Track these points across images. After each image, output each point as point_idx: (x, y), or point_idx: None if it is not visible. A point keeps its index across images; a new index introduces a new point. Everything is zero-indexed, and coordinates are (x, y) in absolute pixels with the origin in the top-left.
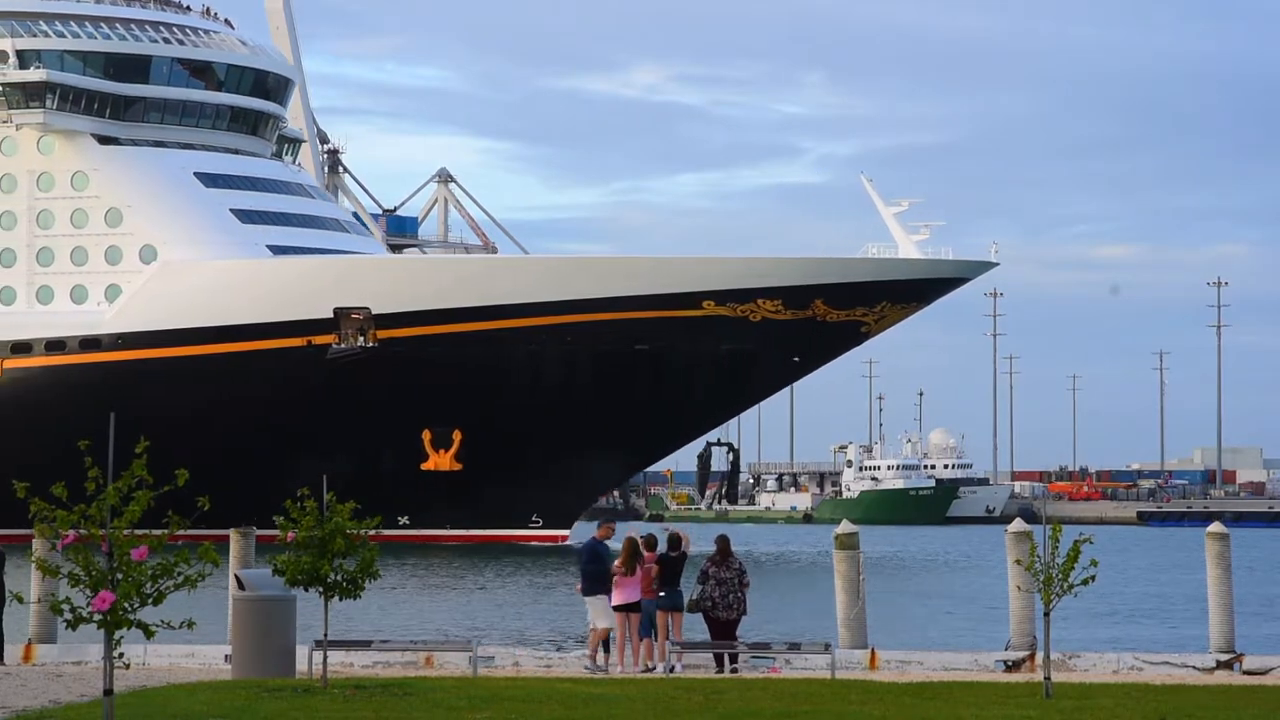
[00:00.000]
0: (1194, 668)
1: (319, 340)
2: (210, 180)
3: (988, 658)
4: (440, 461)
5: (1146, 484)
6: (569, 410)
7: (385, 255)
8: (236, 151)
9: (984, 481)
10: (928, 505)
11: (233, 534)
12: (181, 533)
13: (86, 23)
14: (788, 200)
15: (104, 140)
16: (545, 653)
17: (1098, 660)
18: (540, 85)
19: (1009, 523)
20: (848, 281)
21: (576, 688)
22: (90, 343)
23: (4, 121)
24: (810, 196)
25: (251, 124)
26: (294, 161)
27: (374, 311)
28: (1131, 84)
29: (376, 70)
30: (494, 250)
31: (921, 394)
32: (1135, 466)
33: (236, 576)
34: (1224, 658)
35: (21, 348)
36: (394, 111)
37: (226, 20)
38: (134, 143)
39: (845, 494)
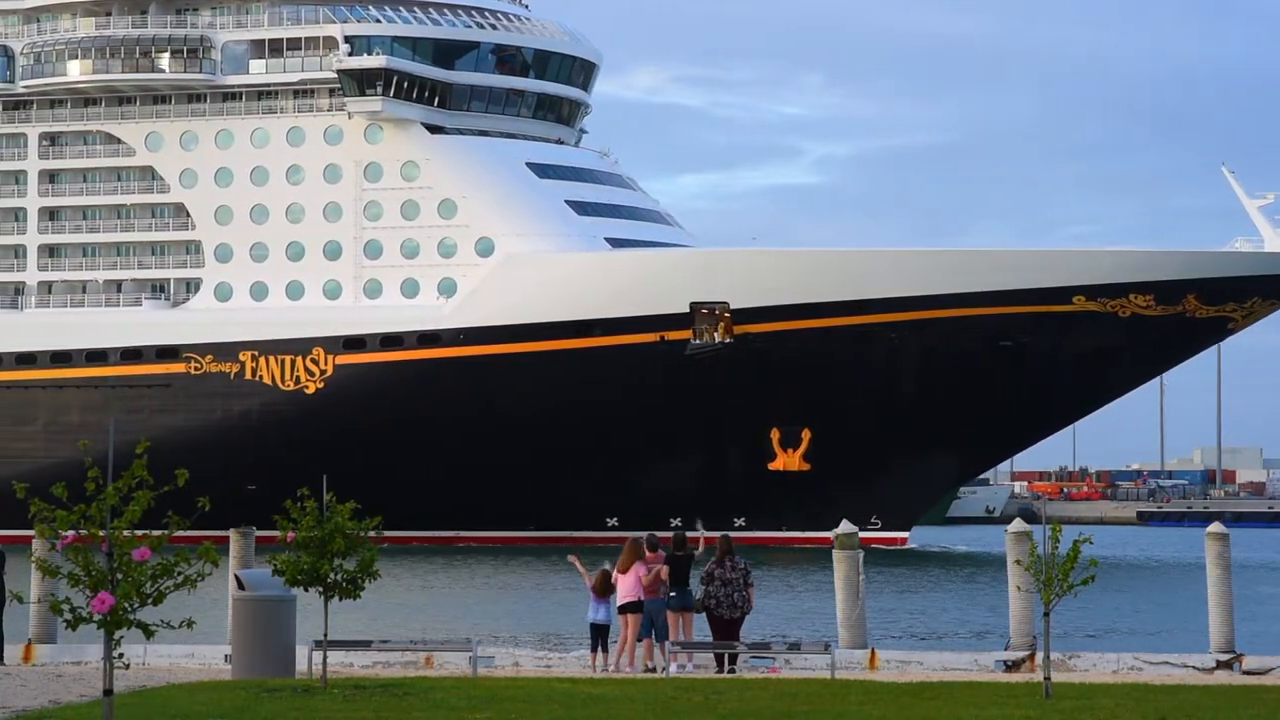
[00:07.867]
0: (1194, 668)
1: (672, 336)
2: (542, 171)
3: (988, 658)
4: (789, 461)
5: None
6: (925, 408)
7: (742, 248)
8: (560, 142)
9: (984, 482)
10: None
11: (232, 534)
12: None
13: (415, 8)
14: (787, 201)
15: (432, 129)
16: (545, 653)
17: (1098, 660)
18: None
19: (1009, 523)
20: (1224, 276)
21: (576, 688)
22: (429, 338)
23: (330, 110)
24: (810, 197)
25: (563, 112)
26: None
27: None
28: (1130, 84)
29: None
30: None
31: None
32: (1135, 466)
33: (236, 576)
34: (1224, 658)
35: (354, 343)
36: None
37: (524, 4)
38: (459, 132)
39: None
